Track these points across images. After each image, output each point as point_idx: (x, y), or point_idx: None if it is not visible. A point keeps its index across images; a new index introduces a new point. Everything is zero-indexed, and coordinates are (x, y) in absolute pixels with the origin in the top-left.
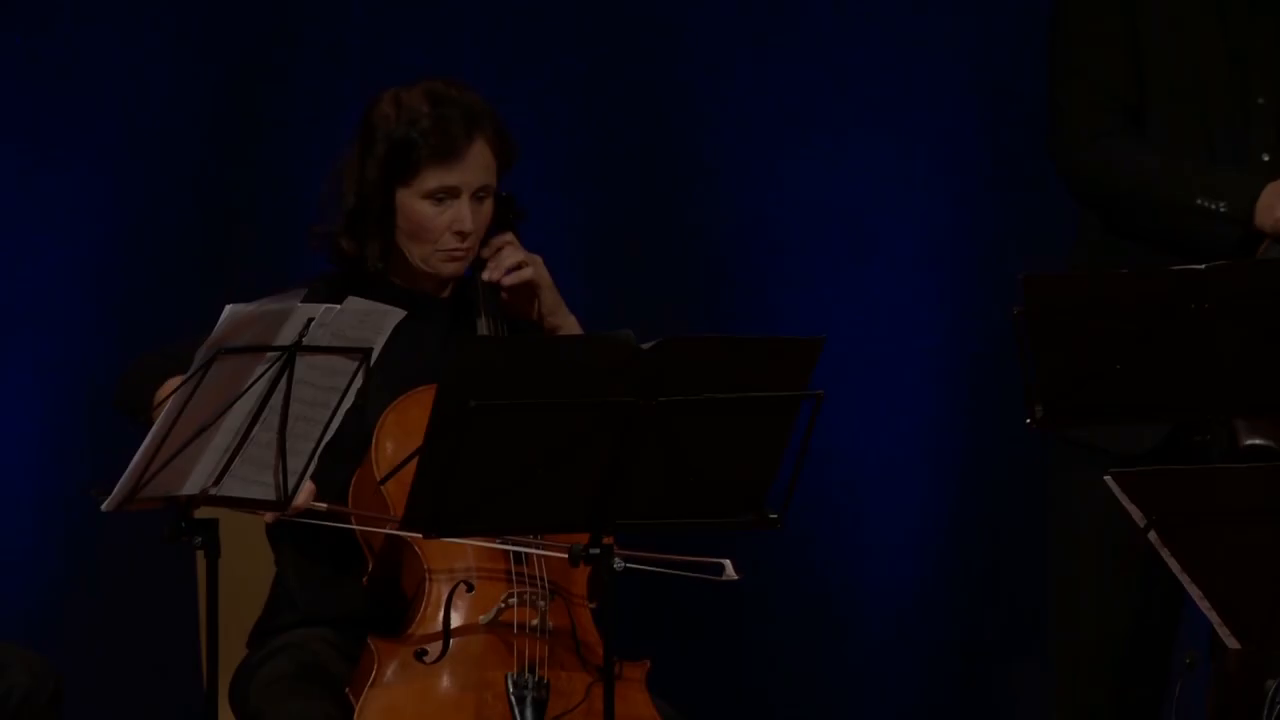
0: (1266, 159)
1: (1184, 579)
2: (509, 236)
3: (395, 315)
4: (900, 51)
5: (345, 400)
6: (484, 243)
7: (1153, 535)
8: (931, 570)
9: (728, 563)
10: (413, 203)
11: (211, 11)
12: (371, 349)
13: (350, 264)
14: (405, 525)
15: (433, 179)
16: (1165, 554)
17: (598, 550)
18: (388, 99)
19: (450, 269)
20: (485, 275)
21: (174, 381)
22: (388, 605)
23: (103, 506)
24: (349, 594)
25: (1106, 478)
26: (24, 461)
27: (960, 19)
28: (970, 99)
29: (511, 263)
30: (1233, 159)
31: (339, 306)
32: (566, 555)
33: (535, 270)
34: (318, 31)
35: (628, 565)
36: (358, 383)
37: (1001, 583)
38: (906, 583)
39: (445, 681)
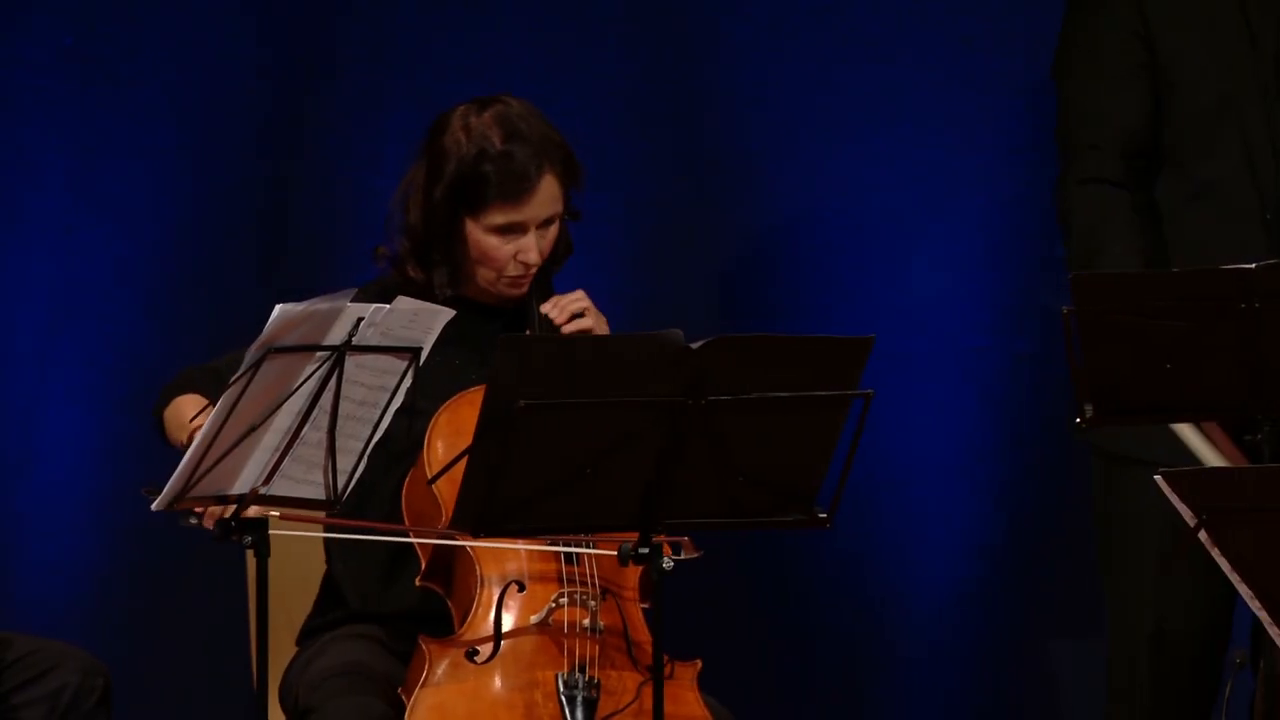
0: None
1: (1234, 578)
2: (579, 294)
3: (445, 315)
4: (949, 50)
5: (395, 400)
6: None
7: (1203, 535)
8: (980, 570)
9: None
10: (479, 235)
11: (259, 12)
12: (421, 348)
13: (418, 289)
14: (454, 526)
15: (500, 216)
16: (1215, 553)
17: (646, 550)
18: (458, 123)
19: (515, 293)
20: (547, 308)
21: (184, 400)
22: (439, 604)
23: (153, 506)
24: (400, 592)
25: (1156, 477)
26: (75, 460)
27: (1009, 16)
28: (1019, 98)
29: (576, 309)
30: (1272, 160)
31: (388, 306)
32: (616, 554)
33: (593, 323)
34: (365, 32)
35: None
36: (407, 382)
37: (1048, 582)
38: (954, 582)
39: (496, 681)
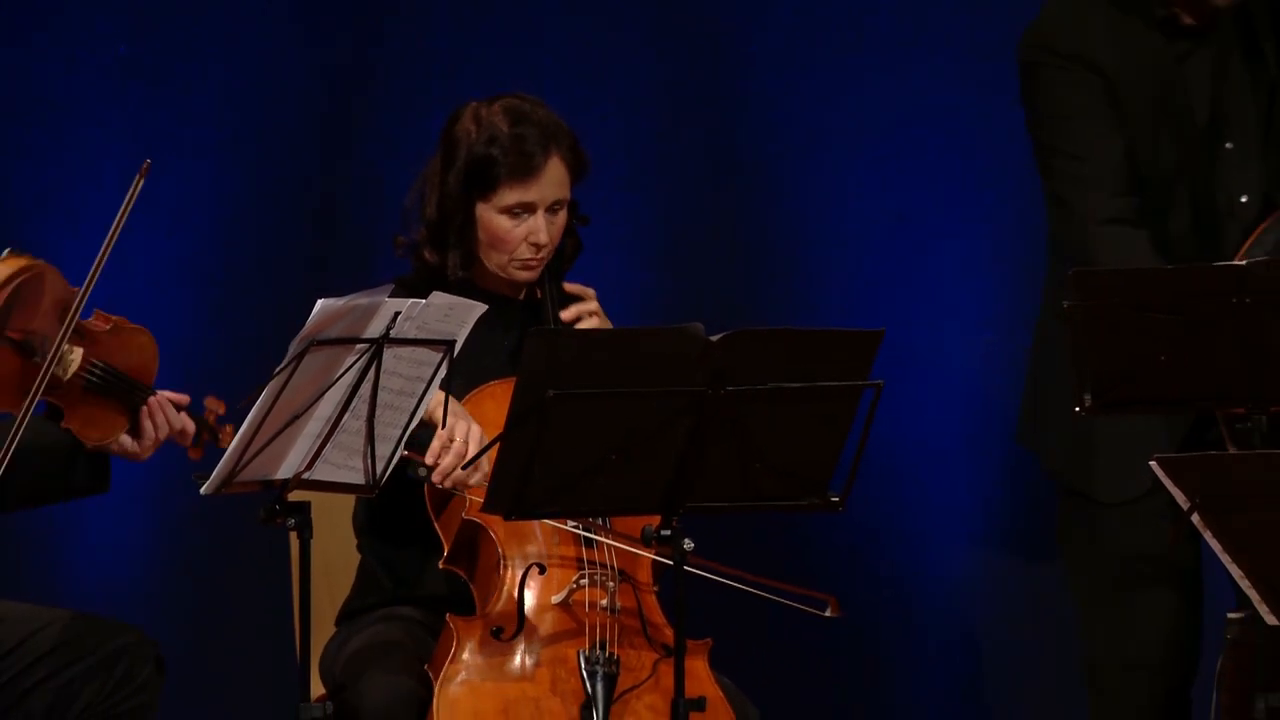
0: (1244, 200)
1: (1225, 559)
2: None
3: (478, 309)
4: (962, 56)
5: (430, 389)
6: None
7: (1195, 517)
8: (991, 555)
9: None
10: (490, 216)
11: (309, 17)
12: (455, 341)
13: (433, 272)
14: (486, 509)
15: (510, 196)
16: (1208, 535)
17: (669, 532)
18: (469, 114)
19: (525, 276)
20: (566, 315)
21: None
22: (464, 587)
23: (202, 490)
24: (431, 577)
25: (1152, 463)
26: None
27: (1023, 25)
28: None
29: (587, 310)
30: (1223, 205)
31: (425, 301)
32: (632, 542)
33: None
34: (410, 37)
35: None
36: (442, 372)
37: (1055, 566)
38: (963, 565)
39: (521, 658)
